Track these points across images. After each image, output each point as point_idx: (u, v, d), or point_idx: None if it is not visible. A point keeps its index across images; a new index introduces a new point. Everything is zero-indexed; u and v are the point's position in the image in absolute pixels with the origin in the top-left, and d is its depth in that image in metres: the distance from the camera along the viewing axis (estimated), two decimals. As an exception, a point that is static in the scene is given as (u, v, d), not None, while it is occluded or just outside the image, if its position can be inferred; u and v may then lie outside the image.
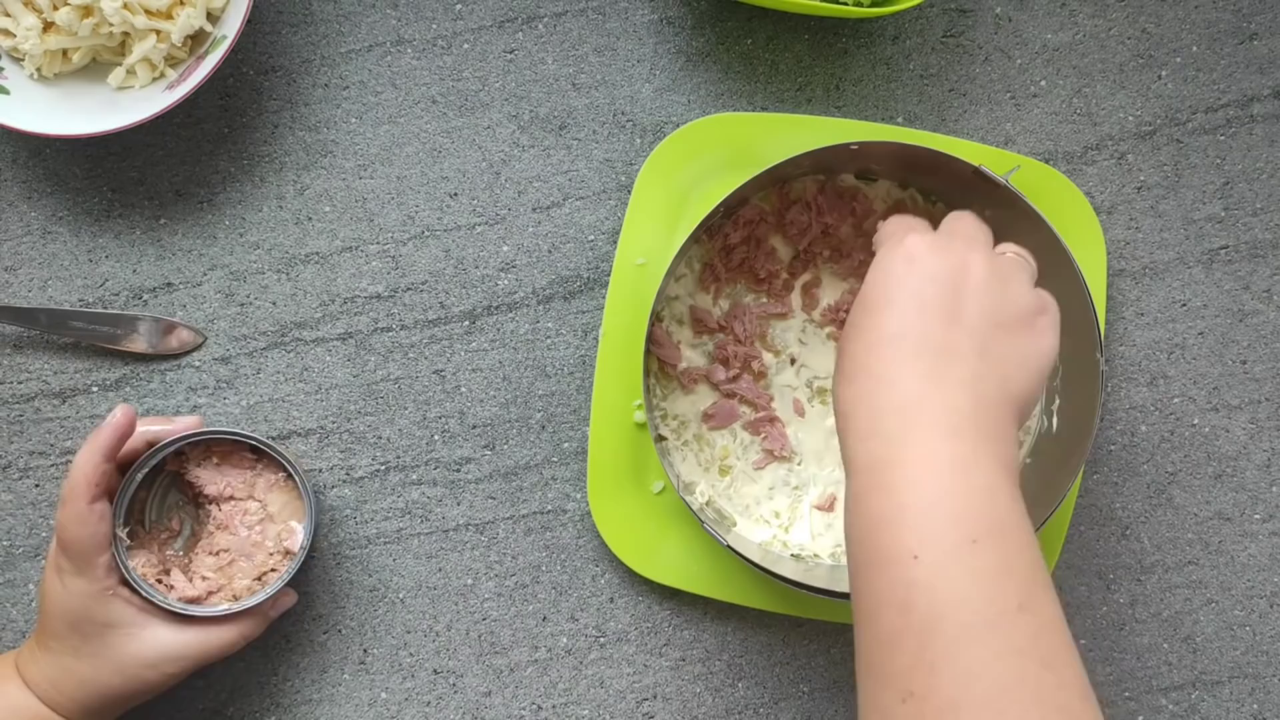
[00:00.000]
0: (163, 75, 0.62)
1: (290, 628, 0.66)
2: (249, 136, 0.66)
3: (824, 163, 0.61)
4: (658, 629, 0.66)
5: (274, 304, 0.66)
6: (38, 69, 0.61)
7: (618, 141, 0.67)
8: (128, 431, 0.57)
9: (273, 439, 0.62)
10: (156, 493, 0.64)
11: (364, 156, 0.66)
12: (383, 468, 0.66)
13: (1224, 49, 0.67)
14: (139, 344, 0.65)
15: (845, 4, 0.61)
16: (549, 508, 0.66)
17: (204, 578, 0.61)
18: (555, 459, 0.66)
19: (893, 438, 0.44)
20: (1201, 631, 0.67)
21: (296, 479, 0.61)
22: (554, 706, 0.66)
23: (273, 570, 0.62)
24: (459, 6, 0.66)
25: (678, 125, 0.66)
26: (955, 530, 0.42)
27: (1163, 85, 0.67)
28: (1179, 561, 0.67)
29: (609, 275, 0.65)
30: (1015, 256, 0.51)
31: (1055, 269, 0.59)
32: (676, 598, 0.66)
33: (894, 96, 0.67)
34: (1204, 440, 0.67)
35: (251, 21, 0.66)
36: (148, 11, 0.60)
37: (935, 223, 0.54)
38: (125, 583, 0.58)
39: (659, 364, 0.64)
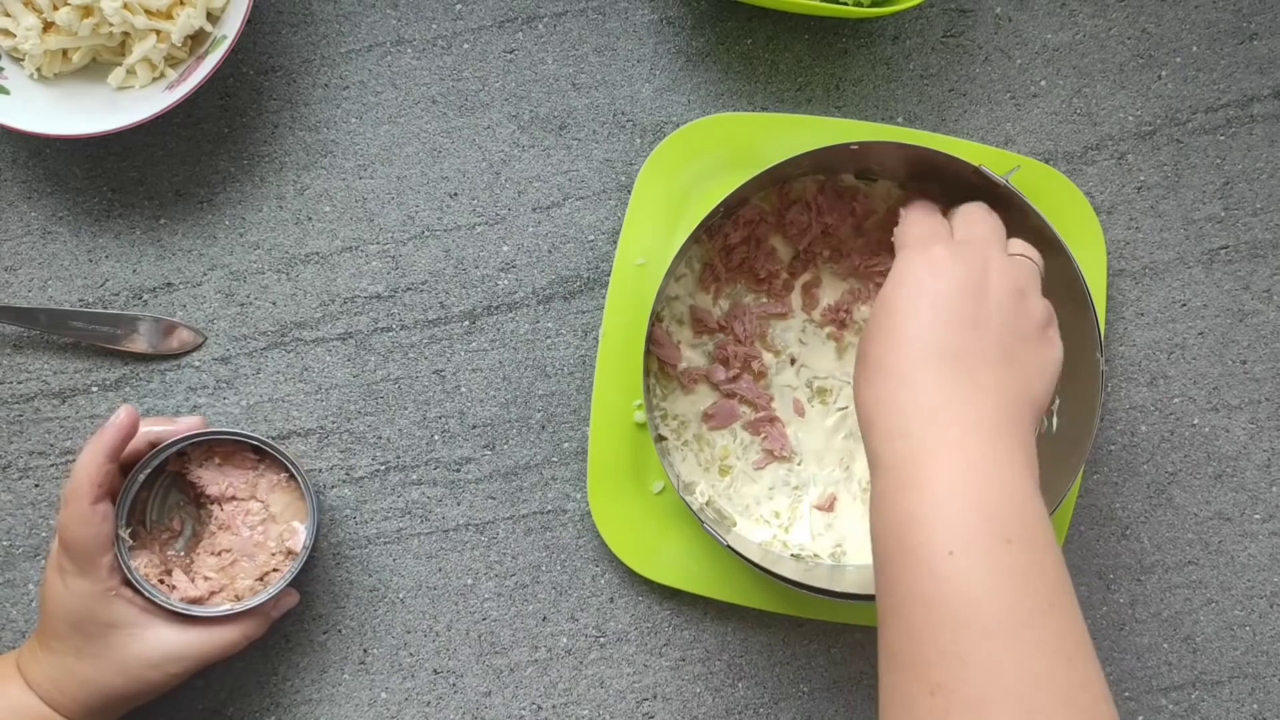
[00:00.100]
0: (163, 75, 0.62)
1: (290, 628, 0.66)
2: (249, 136, 0.66)
3: (824, 163, 0.61)
4: (658, 629, 0.66)
5: (274, 304, 0.66)
6: (38, 69, 0.61)
7: (618, 141, 0.67)
8: (131, 432, 0.57)
9: (273, 439, 0.62)
10: (157, 493, 0.64)
11: (364, 156, 0.66)
12: (383, 468, 0.66)
13: (1224, 49, 0.67)
14: (139, 344, 0.65)
15: (845, 4, 0.61)
16: (549, 508, 0.66)
17: (206, 578, 0.61)
18: (555, 459, 0.66)
19: (922, 437, 0.45)
20: (1201, 631, 0.67)
21: (299, 479, 0.61)
22: (554, 706, 0.66)
23: (275, 570, 0.62)
24: (459, 6, 0.66)
25: (678, 125, 0.66)
26: (989, 529, 0.42)
27: (1163, 85, 0.67)
28: (1179, 561, 0.67)
29: (609, 275, 0.65)
30: (1028, 261, 0.52)
31: (1055, 269, 0.59)
32: (676, 598, 0.66)
33: (894, 96, 0.67)
34: (1204, 440, 0.67)
35: (251, 21, 0.66)
36: (148, 11, 0.60)
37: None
38: (127, 583, 0.58)
39: (659, 364, 0.64)
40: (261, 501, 0.62)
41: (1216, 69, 0.67)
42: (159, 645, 0.58)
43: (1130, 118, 0.67)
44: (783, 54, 0.67)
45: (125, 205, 0.66)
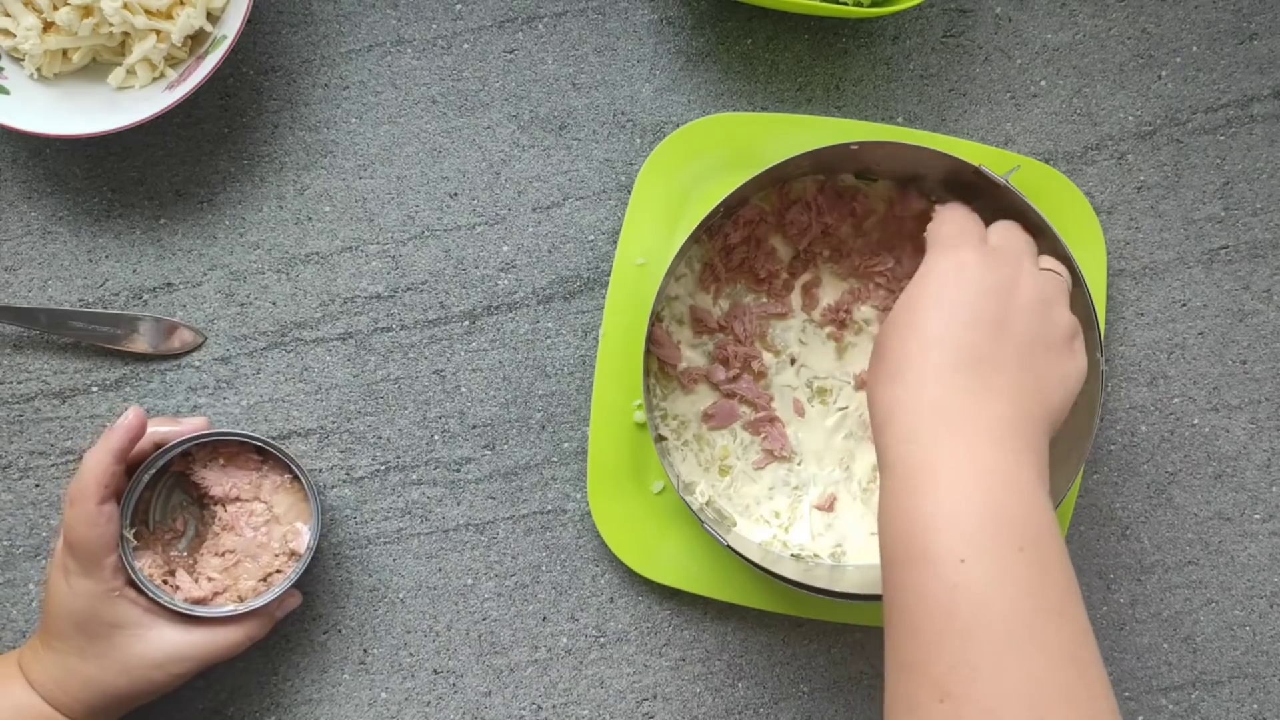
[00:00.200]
0: (163, 75, 0.62)
1: (290, 628, 0.66)
2: (249, 136, 0.66)
3: (824, 163, 0.61)
4: (658, 629, 0.66)
5: (274, 304, 0.66)
6: (38, 69, 0.61)
7: (618, 141, 0.67)
8: (139, 433, 0.58)
9: (273, 439, 0.62)
10: (160, 493, 0.64)
11: (364, 156, 0.66)
12: (383, 468, 0.66)
13: (1224, 49, 0.67)
14: (139, 344, 0.65)
15: (845, 4, 0.61)
16: (549, 508, 0.66)
17: (209, 579, 0.61)
18: (555, 459, 0.66)
19: (937, 441, 0.45)
20: (1201, 631, 0.67)
21: (303, 481, 0.61)
22: (554, 706, 0.66)
23: (278, 571, 0.62)
24: (459, 6, 0.66)
25: (678, 125, 0.66)
26: (1002, 537, 0.42)
27: (1163, 85, 0.67)
28: (1179, 561, 0.67)
29: (609, 275, 0.65)
30: (1057, 276, 0.52)
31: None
32: (676, 598, 0.66)
33: (894, 96, 0.67)
34: (1204, 440, 0.67)
35: (251, 21, 0.66)
36: (148, 11, 0.60)
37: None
38: (131, 583, 0.58)
39: (659, 364, 0.64)
40: (265, 503, 0.62)
41: (1216, 69, 0.67)
42: (162, 645, 0.58)
43: (1130, 118, 0.67)
44: (783, 54, 0.67)
45: (125, 205, 0.66)
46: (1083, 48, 0.67)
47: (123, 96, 0.62)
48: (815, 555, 0.64)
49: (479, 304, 0.66)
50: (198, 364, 0.66)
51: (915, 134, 0.65)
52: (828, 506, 0.65)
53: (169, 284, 0.66)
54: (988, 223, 0.53)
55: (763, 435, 0.65)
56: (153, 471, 0.60)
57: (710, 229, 0.64)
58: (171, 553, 0.63)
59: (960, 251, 0.49)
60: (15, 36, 0.60)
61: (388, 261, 0.66)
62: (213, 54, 0.60)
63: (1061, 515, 0.65)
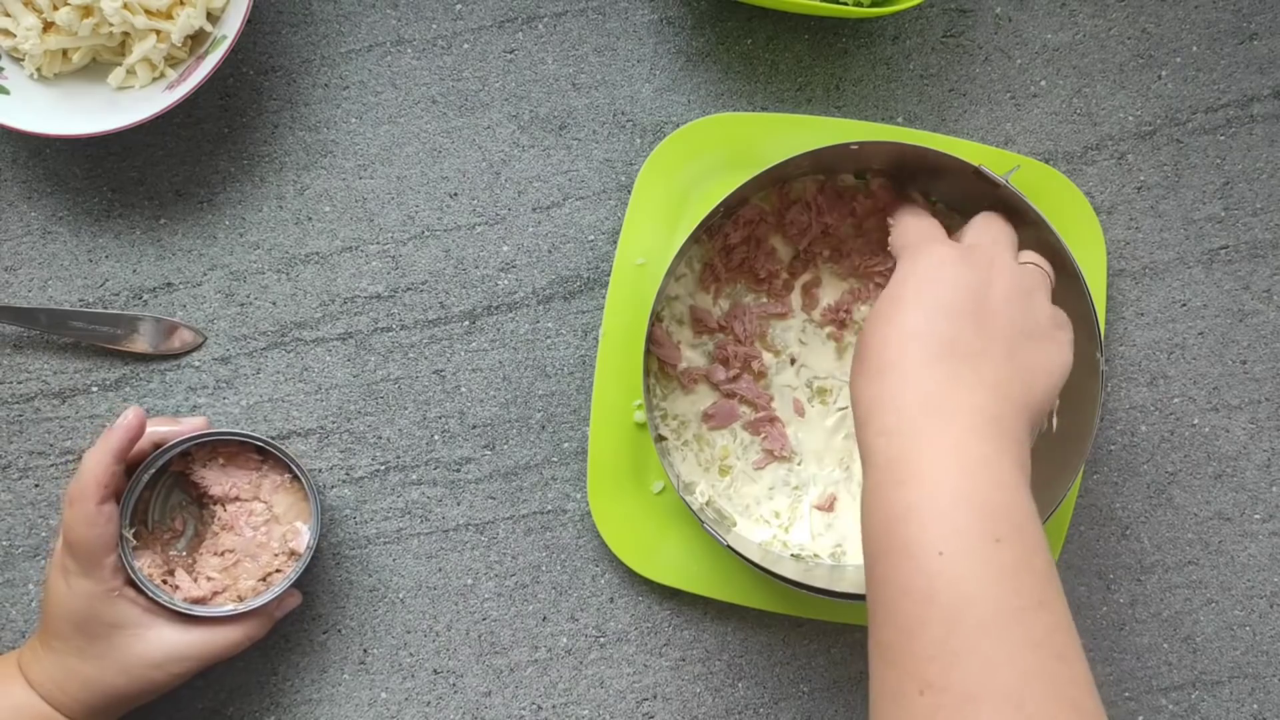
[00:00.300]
0: (163, 75, 0.62)
1: (290, 628, 0.66)
2: (249, 136, 0.66)
3: (824, 163, 0.61)
4: (658, 629, 0.66)
5: (274, 304, 0.66)
6: (38, 69, 0.61)
7: (618, 141, 0.67)
8: (138, 433, 0.58)
9: (273, 439, 0.62)
10: (159, 493, 0.64)
11: (364, 156, 0.66)
12: (383, 468, 0.66)
13: (1224, 49, 0.67)
14: (139, 344, 0.65)
15: (845, 4, 0.61)
16: (549, 508, 0.66)
17: (209, 578, 0.61)
18: (555, 459, 0.66)
19: (917, 433, 0.45)
20: (1201, 631, 0.67)
21: (302, 480, 0.61)
22: (554, 706, 0.66)
23: (278, 571, 0.62)
24: (459, 6, 0.66)
25: (678, 125, 0.66)
26: (980, 527, 0.42)
27: (1163, 85, 0.67)
28: (1179, 561, 0.67)
29: (609, 275, 0.65)
30: (1037, 269, 0.53)
31: (1055, 269, 0.59)
32: (676, 598, 0.66)
33: (894, 96, 0.67)
34: (1204, 440, 0.67)
35: (251, 21, 0.66)
36: (148, 11, 0.60)
37: (940, 221, 0.55)
38: (131, 583, 0.58)
39: (659, 364, 0.64)
40: (265, 502, 0.62)
41: (1216, 69, 0.67)
42: (162, 645, 0.58)
43: (1130, 118, 0.67)
44: (783, 54, 0.67)
45: (125, 205, 0.66)
46: (1083, 48, 0.67)
47: (123, 96, 0.62)
48: (815, 555, 0.64)
49: (479, 304, 0.66)
50: (198, 364, 0.66)
51: (915, 134, 0.65)
52: (828, 506, 0.65)
53: (169, 284, 0.66)
54: None
55: (763, 435, 0.65)
56: (152, 471, 0.60)
57: (710, 229, 0.64)
58: (171, 552, 0.63)
59: (934, 249, 0.50)
60: (15, 36, 0.60)
61: (388, 261, 0.66)
62: (213, 54, 0.60)
63: (1061, 515, 0.65)
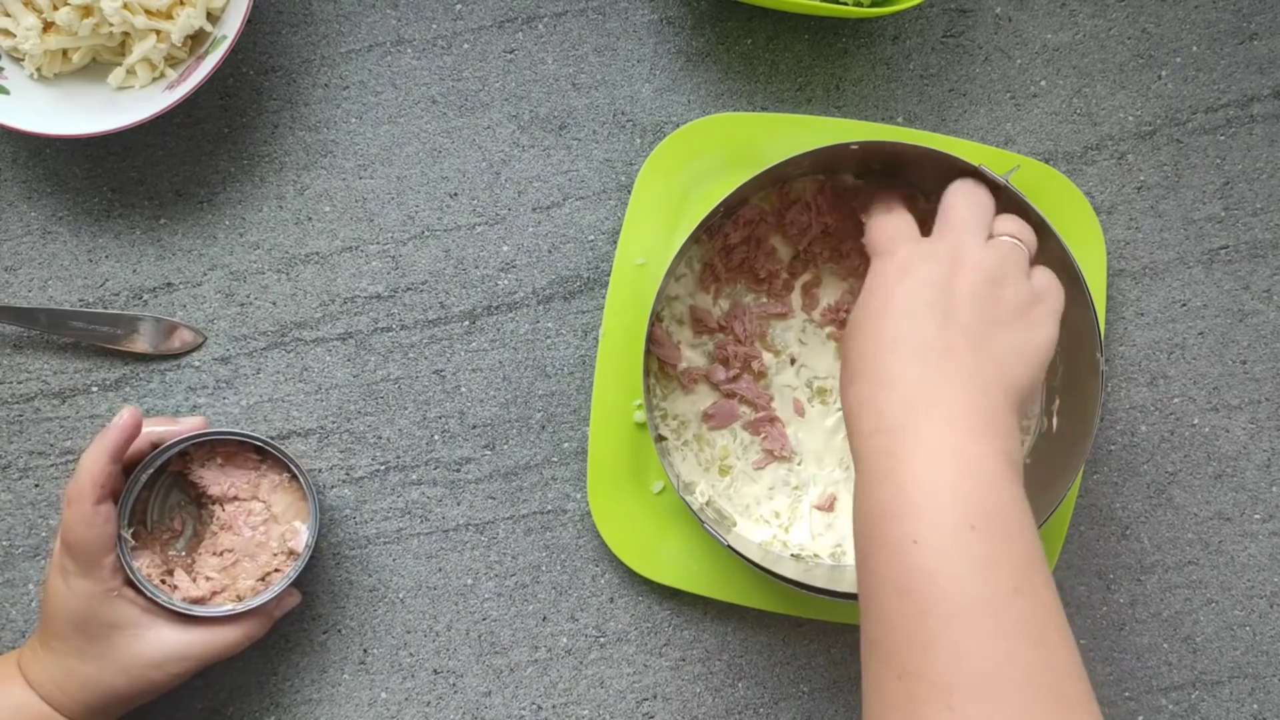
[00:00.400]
0: (163, 75, 0.62)
1: (290, 628, 0.66)
2: (249, 136, 0.66)
3: (824, 163, 0.61)
4: (658, 629, 0.66)
5: (274, 304, 0.66)
6: (38, 69, 0.61)
7: (618, 141, 0.67)
8: (134, 433, 0.57)
9: (273, 439, 0.62)
10: (158, 493, 0.64)
11: (364, 156, 0.66)
12: (383, 468, 0.66)
13: (1224, 49, 0.67)
14: (139, 344, 0.65)
15: (845, 4, 0.61)
16: (549, 508, 0.66)
17: (208, 578, 0.61)
18: (555, 459, 0.66)
19: (896, 431, 0.47)
20: (1201, 631, 0.67)
21: (301, 480, 0.61)
22: (554, 706, 0.66)
23: (276, 571, 0.62)
24: (459, 6, 0.66)
25: (678, 125, 0.66)
26: (953, 516, 0.43)
27: (1163, 85, 0.67)
28: (1179, 561, 0.67)
29: (609, 275, 0.65)
30: (1010, 242, 0.53)
31: (1055, 269, 0.59)
32: (676, 598, 0.66)
33: (894, 96, 0.67)
34: (1204, 440, 0.67)
35: (251, 21, 0.66)
36: (148, 11, 0.60)
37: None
38: (129, 583, 0.58)
39: (659, 364, 0.64)
40: (264, 502, 0.62)
41: (1216, 69, 0.67)
42: (161, 645, 0.58)
43: (1130, 118, 0.67)
44: (783, 54, 0.67)
45: (125, 205, 0.66)
46: (1083, 48, 0.67)
47: (123, 96, 0.62)
48: (815, 555, 0.64)
49: (479, 304, 0.66)
50: (198, 364, 0.66)
51: (915, 134, 0.65)
52: (828, 506, 0.65)
53: (169, 284, 0.66)
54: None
55: (763, 435, 0.65)
56: (150, 471, 0.60)
57: (710, 229, 0.64)
58: (170, 552, 0.63)
59: (897, 253, 0.52)
60: (15, 36, 0.60)
61: (388, 261, 0.66)
62: (213, 54, 0.60)
63: (1061, 515, 0.65)
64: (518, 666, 0.66)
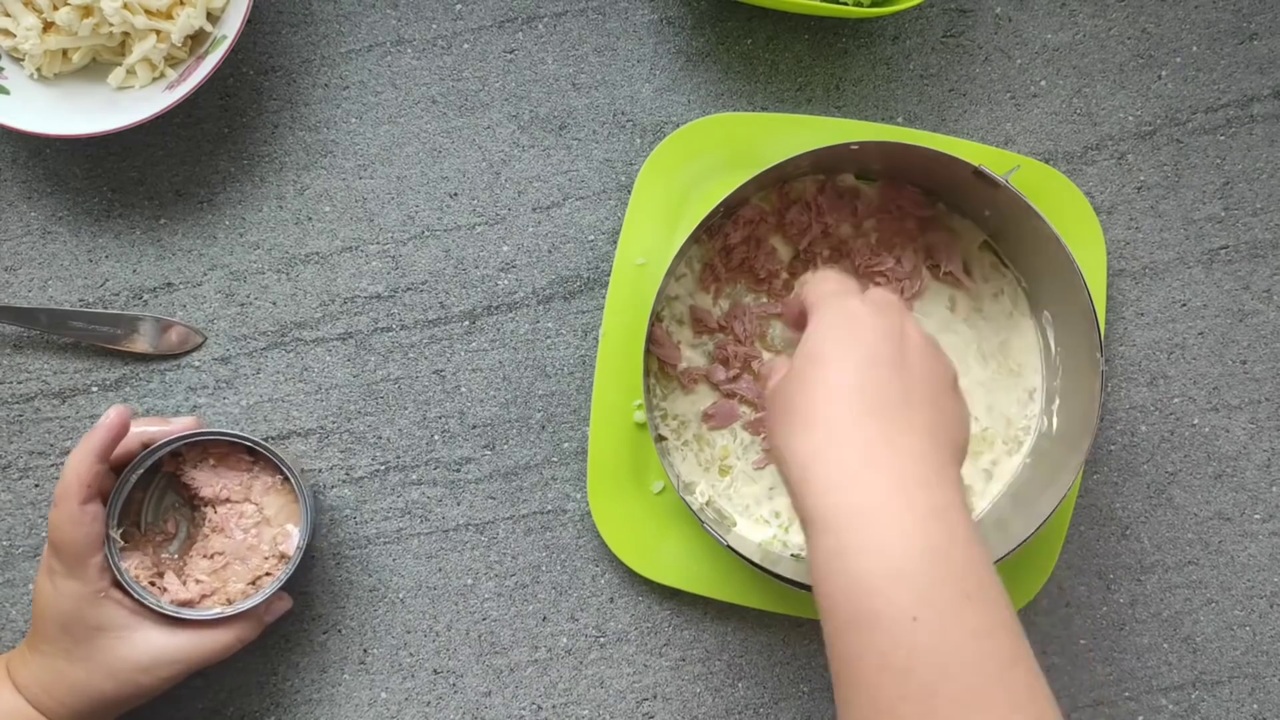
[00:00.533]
0: (163, 75, 0.62)
1: (290, 628, 0.66)
2: (249, 136, 0.66)
3: (824, 163, 0.61)
4: (658, 629, 0.66)
5: (274, 304, 0.66)
6: (38, 69, 0.61)
7: (618, 141, 0.67)
8: (121, 432, 0.57)
9: (272, 439, 0.62)
10: (153, 494, 0.64)
11: (364, 156, 0.66)
12: (383, 468, 0.66)
13: (1224, 49, 0.67)
14: (139, 344, 0.65)
15: (845, 4, 0.61)
16: (549, 508, 0.66)
17: (197, 581, 0.60)
18: (555, 459, 0.66)
19: (861, 485, 0.44)
20: (1201, 631, 0.67)
21: (293, 482, 0.61)
22: (554, 706, 0.66)
23: (267, 574, 0.61)
24: (459, 6, 0.66)
25: (678, 125, 0.66)
26: (949, 588, 0.41)
27: (1163, 85, 0.67)
28: (1179, 561, 0.67)
29: (609, 275, 0.65)
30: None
31: (1055, 269, 0.59)
32: (676, 598, 0.66)
33: (894, 96, 0.67)
34: (1204, 440, 0.67)
35: (251, 21, 0.66)
36: (148, 11, 0.60)
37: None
38: (118, 585, 0.58)
39: (659, 364, 0.64)
40: (255, 504, 0.62)
41: (1216, 69, 0.67)
42: (148, 648, 0.57)
43: (1130, 118, 0.67)
44: (783, 54, 0.67)
45: (125, 205, 0.66)
46: (1083, 48, 0.67)
47: (123, 96, 0.62)
48: (815, 555, 0.64)
49: (479, 304, 0.66)
50: (198, 364, 0.66)
51: (915, 134, 0.65)
52: (828, 506, 0.65)
53: (169, 284, 0.66)
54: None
55: (763, 435, 0.65)
56: (140, 471, 0.59)
57: (710, 229, 0.64)
58: (162, 555, 0.63)
59: (847, 302, 0.49)
60: (15, 36, 0.60)
61: (388, 261, 0.66)
62: (213, 54, 0.60)
63: (1061, 515, 0.65)
64: (518, 666, 0.66)
